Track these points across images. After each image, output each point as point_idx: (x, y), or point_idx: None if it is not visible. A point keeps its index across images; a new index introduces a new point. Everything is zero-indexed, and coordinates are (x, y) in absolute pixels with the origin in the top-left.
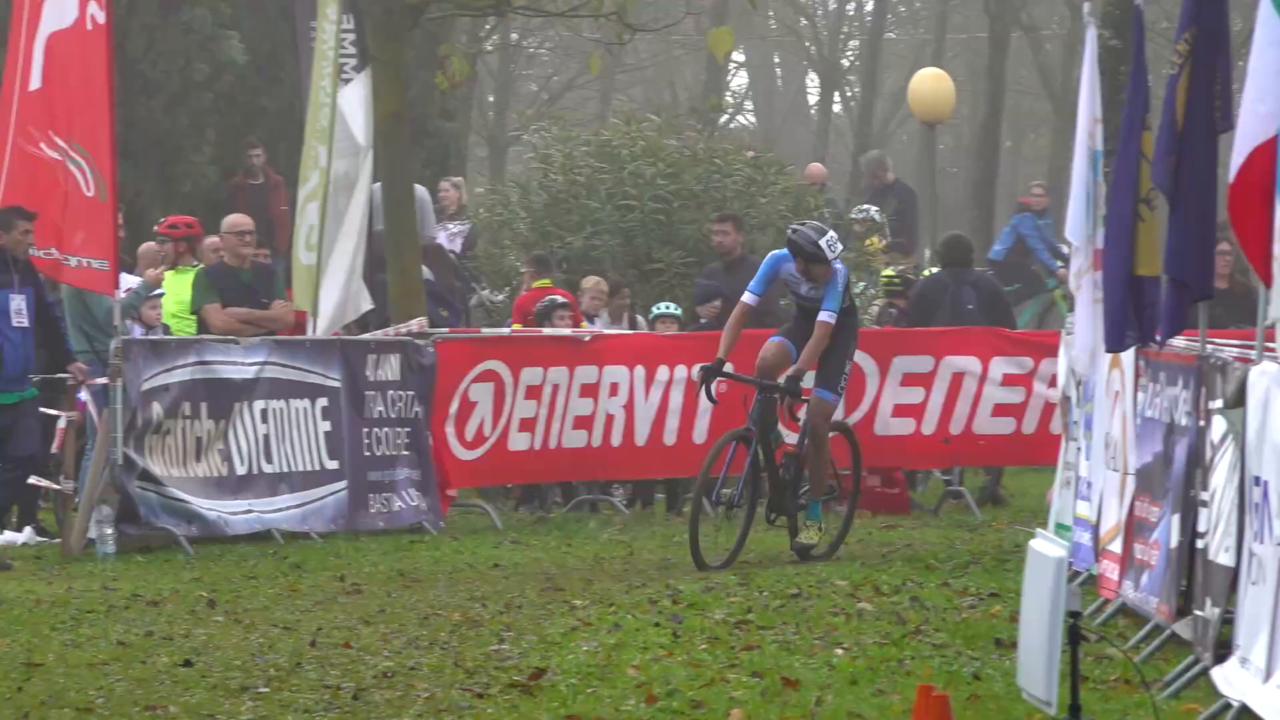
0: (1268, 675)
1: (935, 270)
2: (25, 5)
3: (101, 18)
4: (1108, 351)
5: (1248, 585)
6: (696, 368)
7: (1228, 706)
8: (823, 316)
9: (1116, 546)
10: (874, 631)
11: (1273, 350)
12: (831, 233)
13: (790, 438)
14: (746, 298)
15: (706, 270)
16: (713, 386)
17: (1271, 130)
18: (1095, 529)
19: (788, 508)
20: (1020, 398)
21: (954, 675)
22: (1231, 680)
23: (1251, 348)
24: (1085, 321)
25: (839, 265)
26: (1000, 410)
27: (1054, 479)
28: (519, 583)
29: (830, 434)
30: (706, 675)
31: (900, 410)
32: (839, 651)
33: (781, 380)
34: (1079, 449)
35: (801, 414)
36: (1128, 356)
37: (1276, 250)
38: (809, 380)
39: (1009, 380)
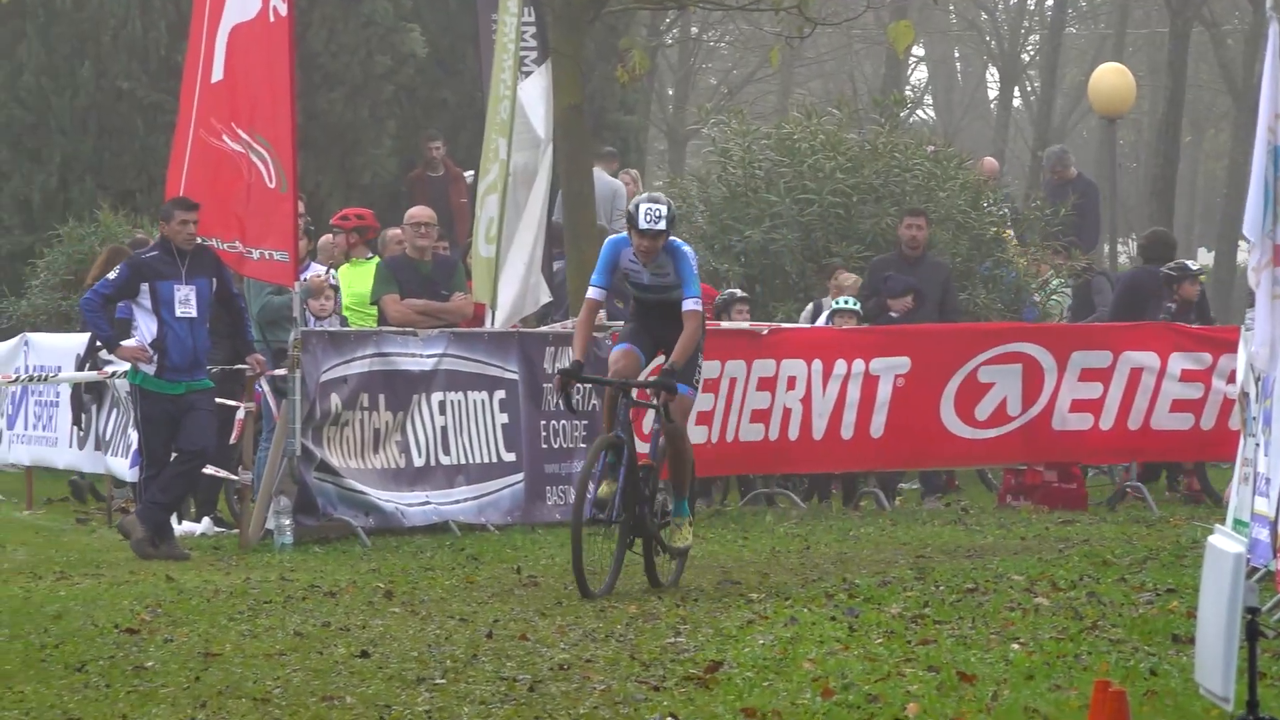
0: None
1: (1141, 264)
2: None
3: (284, 10)
4: None
5: None
6: (556, 372)
7: None
8: (689, 305)
9: None
10: (1050, 626)
11: None
12: (670, 205)
13: (642, 446)
14: (592, 293)
15: (876, 262)
16: (572, 393)
17: None
18: (1274, 525)
19: (644, 527)
20: (1199, 394)
21: (1131, 671)
22: None
23: None
24: (1265, 317)
25: (685, 246)
26: (1178, 406)
27: (1232, 475)
28: (695, 576)
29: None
30: (883, 669)
31: (1078, 405)
32: (1015, 646)
33: (653, 377)
34: (1257, 445)
35: (646, 422)
36: None
37: None
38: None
39: (1187, 376)
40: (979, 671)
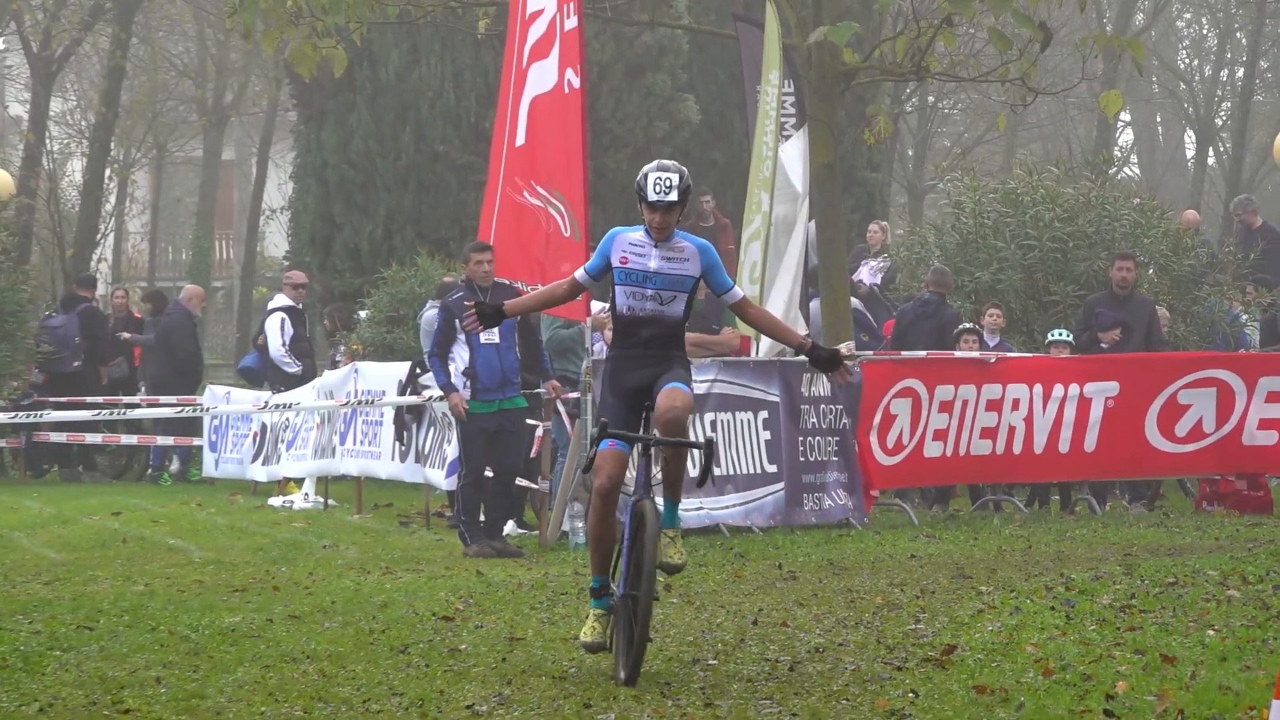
0: None
1: None
2: (513, 73)
3: (577, 83)
4: None
5: None
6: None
7: None
8: (734, 295)
9: None
10: (1241, 615)
11: None
12: (685, 174)
13: None
14: (576, 273)
15: (1090, 300)
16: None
17: None
18: None
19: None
20: None
21: None
22: None
23: None
24: None
25: (705, 242)
26: None
27: None
28: (932, 571)
29: None
30: (1095, 652)
31: (1265, 424)
32: (1210, 632)
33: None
34: None
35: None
36: None
37: None
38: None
39: None
40: (1179, 654)
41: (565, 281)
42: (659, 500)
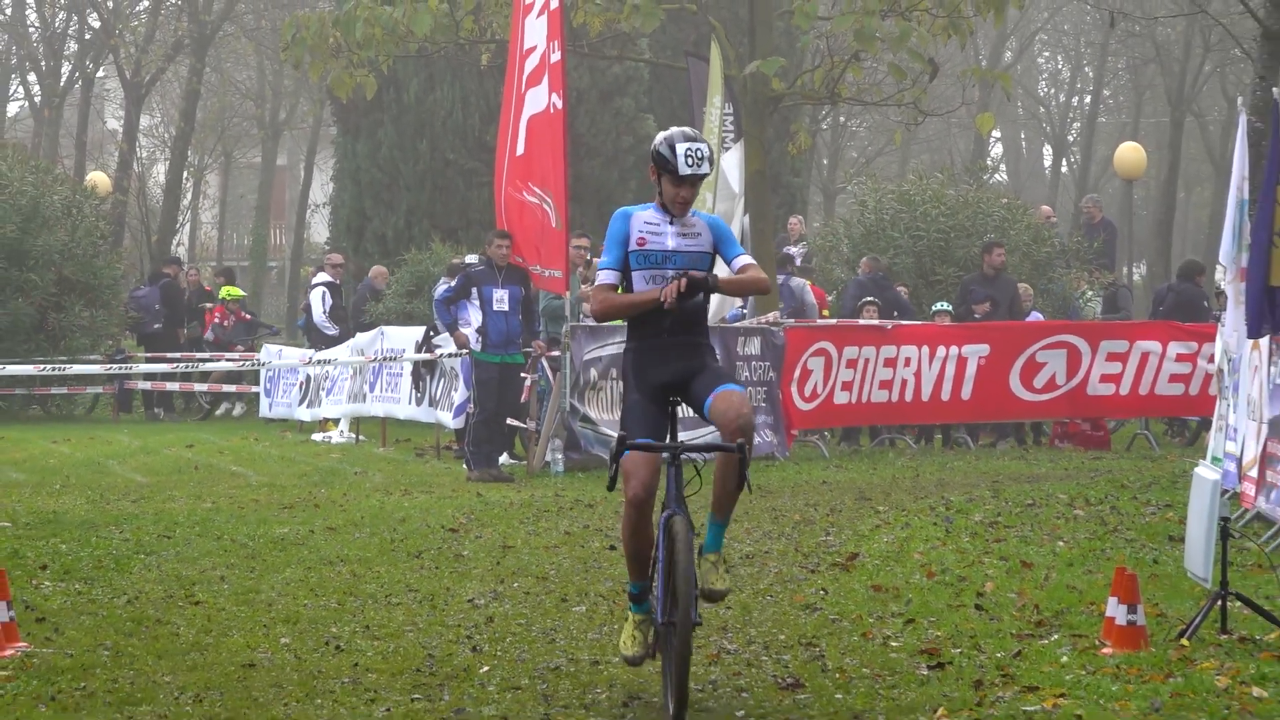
0: None
1: (1178, 281)
2: (514, 96)
3: (560, 105)
4: (1249, 338)
5: None
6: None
7: None
8: (744, 260)
9: (1254, 472)
10: (1085, 530)
11: None
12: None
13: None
14: (604, 277)
15: (967, 280)
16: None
17: None
18: (1239, 460)
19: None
20: (1189, 370)
21: (1140, 561)
22: None
23: None
24: (1233, 317)
25: (712, 215)
26: (1174, 378)
27: (1211, 426)
28: (840, 494)
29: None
30: (969, 559)
31: (1105, 378)
32: (1060, 544)
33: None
34: (1229, 405)
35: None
36: (1264, 341)
37: None
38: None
39: (1181, 358)
40: (1035, 561)
41: (603, 289)
42: (694, 517)
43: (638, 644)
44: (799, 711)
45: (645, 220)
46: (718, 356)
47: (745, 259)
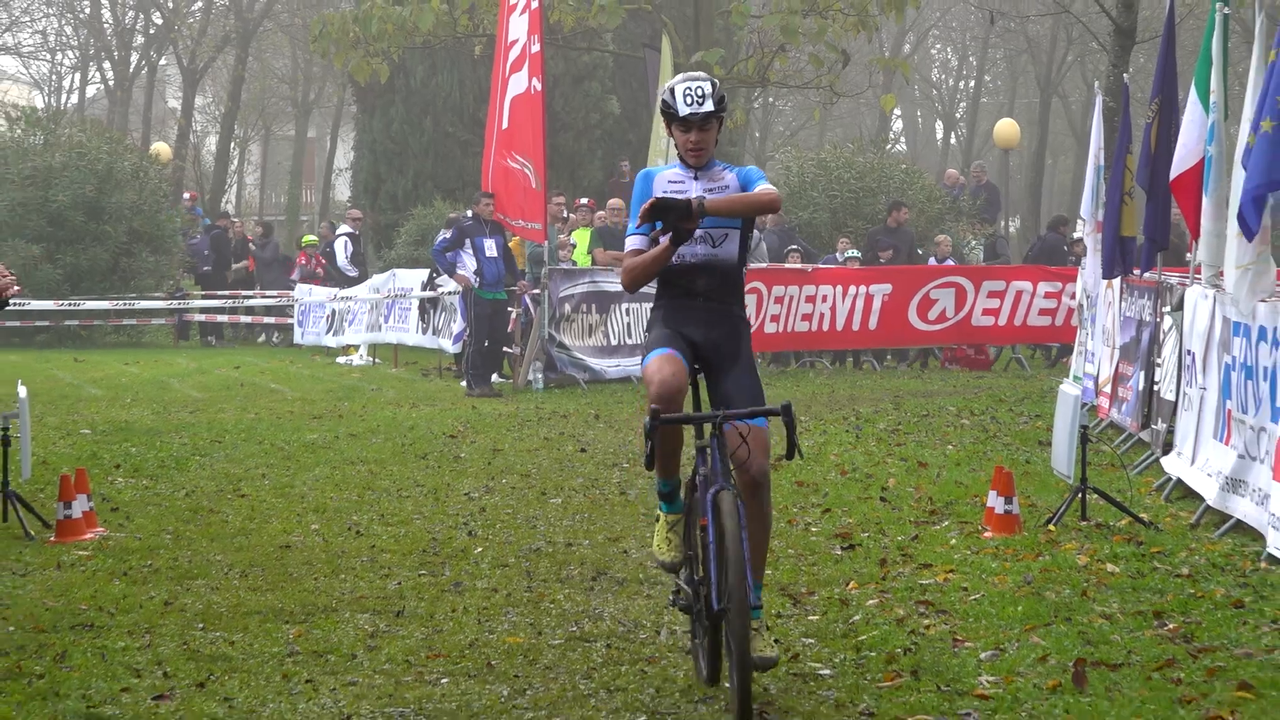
0: (1192, 461)
1: (1046, 233)
2: (499, 80)
3: (539, 87)
4: (1104, 278)
5: (1182, 411)
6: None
7: (1169, 480)
8: (763, 186)
9: (1108, 389)
10: (970, 436)
11: (1199, 278)
12: (715, 81)
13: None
14: (632, 242)
15: (872, 231)
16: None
17: (1198, 156)
18: (1095, 379)
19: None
20: (1054, 305)
21: (1015, 461)
22: (1172, 465)
23: (1186, 277)
24: (1091, 262)
25: (745, 167)
26: (1043, 312)
27: (1074, 350)
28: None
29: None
30: (875, 459)
31: (986, 312)
32: (950, 447)
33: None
34: (1087, 334)
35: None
36: (1116, 281)
37: (1203, 223)
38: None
39: (1048, 295)
40: (930, 461)
41: (630, 254)
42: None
43: (673, 548)
44: None
45: (669, 179)
46: (749, 329)
47: (762, 185)
